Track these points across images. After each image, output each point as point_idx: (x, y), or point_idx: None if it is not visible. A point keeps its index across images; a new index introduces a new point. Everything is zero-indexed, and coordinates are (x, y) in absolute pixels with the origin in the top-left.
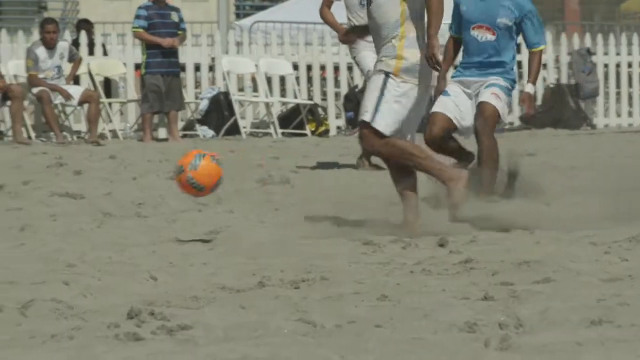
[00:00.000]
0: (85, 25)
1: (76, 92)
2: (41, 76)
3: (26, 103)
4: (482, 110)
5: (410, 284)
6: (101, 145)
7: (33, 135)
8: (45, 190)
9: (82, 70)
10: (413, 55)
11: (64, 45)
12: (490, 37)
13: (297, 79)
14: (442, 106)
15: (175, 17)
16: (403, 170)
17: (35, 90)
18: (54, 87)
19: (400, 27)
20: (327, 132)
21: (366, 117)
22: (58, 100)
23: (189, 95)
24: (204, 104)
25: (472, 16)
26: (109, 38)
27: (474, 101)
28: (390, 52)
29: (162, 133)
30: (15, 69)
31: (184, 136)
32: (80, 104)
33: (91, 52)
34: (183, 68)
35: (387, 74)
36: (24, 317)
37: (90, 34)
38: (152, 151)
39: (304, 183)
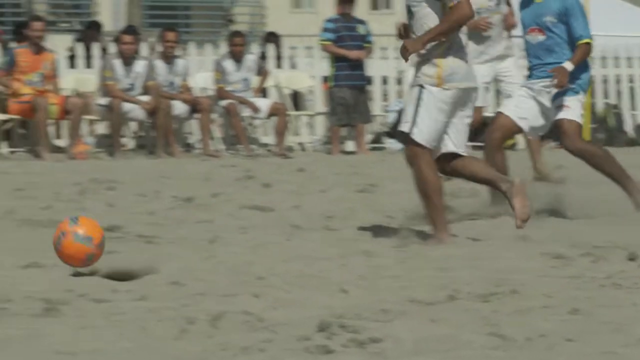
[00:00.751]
0: (273, 38)
1: (264, 104)
2: (228, 88)
3: (214, 115)
4: (560, 127)
5: (601, 298)
6: (289, 158)
7: (222, 147)
8: (234, 203)
9: (270, 83)
10: (452, 61)
11: (251, 58)
12: (540, 37)
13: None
14: (503, 108)
15: (361, 29)
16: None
17: (223, 103)
18: (242, 100)
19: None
20: (513, 145)
21: (405, 127)
22: (246, 112)
23: (375, 107)
24: (392, 117)
25: (526, 21)
26: (296, 50)
27: (539, 101)
28: (430, 64)
29: (350, 146)
30: (203, 82)
31: (372, 149)
32: (268, 116)
33: (278, 65)
34: (370, 81)
35: (422, 86)
36: (215, 329)
37: (277, 46)
38: (340, 164)
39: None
